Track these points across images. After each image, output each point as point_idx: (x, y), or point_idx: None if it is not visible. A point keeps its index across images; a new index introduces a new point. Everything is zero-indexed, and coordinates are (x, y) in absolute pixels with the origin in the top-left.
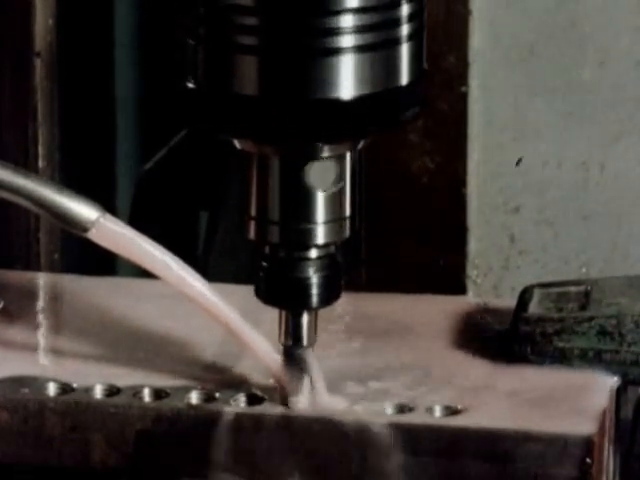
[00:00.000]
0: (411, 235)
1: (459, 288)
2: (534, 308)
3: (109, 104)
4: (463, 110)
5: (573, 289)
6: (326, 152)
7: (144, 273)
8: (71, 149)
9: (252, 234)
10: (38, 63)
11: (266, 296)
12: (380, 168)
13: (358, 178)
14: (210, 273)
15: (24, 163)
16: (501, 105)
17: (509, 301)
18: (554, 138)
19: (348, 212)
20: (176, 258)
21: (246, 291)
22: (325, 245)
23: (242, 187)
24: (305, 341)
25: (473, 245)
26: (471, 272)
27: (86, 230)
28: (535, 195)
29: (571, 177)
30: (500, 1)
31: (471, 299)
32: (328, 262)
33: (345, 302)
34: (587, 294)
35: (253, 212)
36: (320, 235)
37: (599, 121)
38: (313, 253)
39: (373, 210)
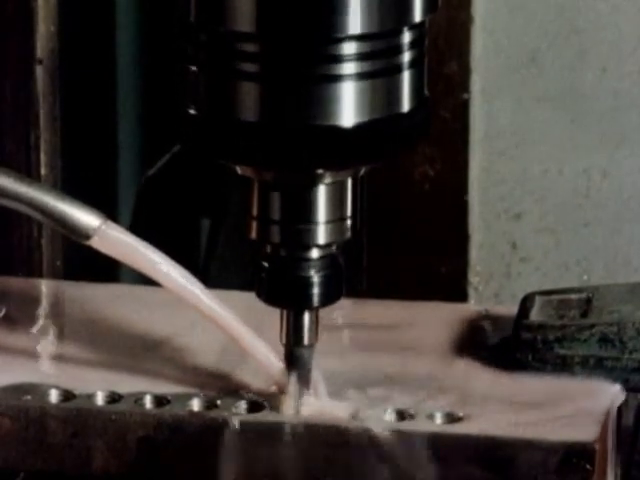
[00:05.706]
0: (412, 242)
1: (460, 295)
2: (535, 315)
3: (111, 111)
4: (465, 117)
5: (574, 296)
6: (328, 179)
7: (146, 280)
8: (73, 156)
9: (253, 234)
10: (40, 70)
11: (267, 296)
12: (381, 175)
13: (359, 185)
14: (212, 280)
15: (26, 170)
16: (503, 112)
17: (510, 308)
18: (555, 145)
19: (349, 212)
20: (177, 265)
21: (247, 298)
22: (326, 245)
23: (244, 194)
24: (306, 340)
25: (474, 252)
26: (472, 279)
27: (88, 237)
28: (536, 202)
29: (572, 184)
30: (502, 8)
31: (472, 306)
32: (329, 262)
33: (346, 308)
34: (588, 301)
35: (254, 212)
36: (321, 235)
37: (601, 128)
38: (314, 253)
39: (375, 217)
